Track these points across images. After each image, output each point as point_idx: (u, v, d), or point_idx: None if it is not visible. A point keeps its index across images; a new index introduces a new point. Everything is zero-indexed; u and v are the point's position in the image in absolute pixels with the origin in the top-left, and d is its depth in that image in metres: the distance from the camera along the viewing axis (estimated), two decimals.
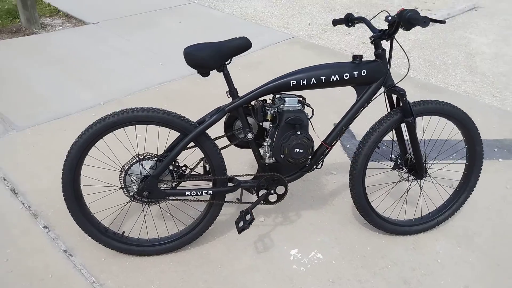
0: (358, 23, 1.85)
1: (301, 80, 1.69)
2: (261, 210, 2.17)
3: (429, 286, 1.82)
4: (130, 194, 1.75)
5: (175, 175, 1.78)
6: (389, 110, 1.88)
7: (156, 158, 1.73)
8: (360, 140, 1.86)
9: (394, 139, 1.95)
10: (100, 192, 2.11)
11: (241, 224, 1.73)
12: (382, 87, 1.79)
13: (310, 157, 1.77)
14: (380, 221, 2.00)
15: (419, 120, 1.91)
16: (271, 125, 1.73)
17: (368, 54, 4.27)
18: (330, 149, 1.84)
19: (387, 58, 1.76)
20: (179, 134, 1.80)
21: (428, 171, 1.98)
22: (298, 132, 1.71)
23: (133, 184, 1.75)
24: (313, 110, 1.79)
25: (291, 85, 1.69)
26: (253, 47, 4.16)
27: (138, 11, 5.01)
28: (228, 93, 1.71)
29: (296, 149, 1.71)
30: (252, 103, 1.77)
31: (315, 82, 1.70)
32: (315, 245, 1.99)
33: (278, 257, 1.91)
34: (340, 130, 1.82)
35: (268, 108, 1.74)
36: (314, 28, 4.91)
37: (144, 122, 1.67)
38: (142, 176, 1.73)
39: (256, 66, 3.80)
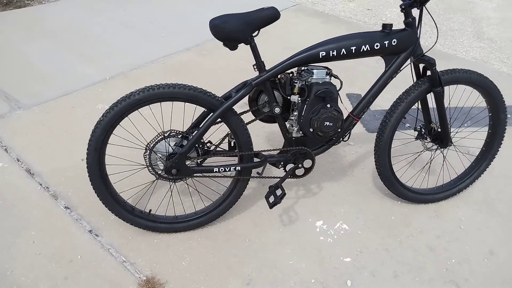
0: None
1: (330, 51, 1.64)
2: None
3: (454, 252, 1.85)
4: (157, 172, 1.72)
5: (200, 152, 1.75)
6: (415, 80, 1.85)
7: (181, 135, 1.69)
8: (387, 110, 1.83)
9: (418, 108, 1.92)
10: (125, 171, 2.07)
11: (271, 199, 1.72)
12: (411, 56, 1.75)
13: (340, 129, 1.75)
14: (404, 191, 2.01)
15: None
16: (299, 99, 1.69)
17: (374, 21, 4.18)
18: (358, 120, 1.82)
19: (417, 26, 1.71)
20: (204, 109, 1.76)
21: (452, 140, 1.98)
22: (328, 105, 1.68)
23: (158, 162, 1.71)
24: (341, 82, 1.75)
25: (320, 57, 1.64)
26: None
27: None
28: (254, 66, 1.65)
29: (326, 123, 1.68)
30: (278, 76, 1.72)
31: (345, 53, 1.65)
32: (340, 216, 2.00)
33: (304, 230, 1.92)
34: (367, 101, 1.79)
35: (296, 81, 1.69)
36: None
37: (170, 99, 1.62)
38: (168, 154, 1.69)
39: (264, 36, 3.69)
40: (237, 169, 1.74)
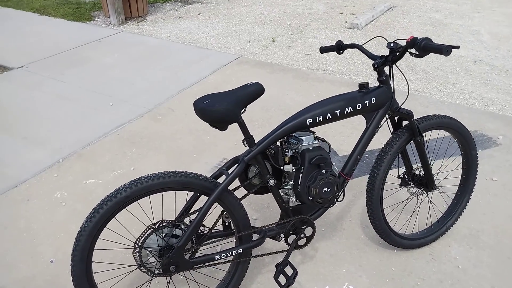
0: (350, 48, 1.83)
1: (317, 117, 1.62)
2: (269, 249, 2.06)
3: None
4: (150, 270, 1.55)
5: (195, 239, 1.61)
6: (391, 131, 1.90)
7: (172, 225, 1.55)
8: (373, 165, 1.84)
9: (398, 156, 1.96)
10: (114, 277, 1.85)
11: (283, 281, 1.61)
12: (388, 111, 1.79)
13: (337, 193, 1.72)
14: (399, 240, 2.01)
15: None
16: (293, 168, 1.64)
17: (315, 65, 4.35)
18: (349, 179, 1.80)
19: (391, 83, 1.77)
20: (192, 193, 1.64)
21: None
22: (323, 171, 1.64)
23: (151, 259, 1.55)
24: (329, 145, 1.74)
25: (308, 124, 1.62)
26: (203, 71, 4.04)
27: (64, 48, 4.60)
28: (244, 142, 1.59)
29: (324, 188, 1.65)
30: None
31: (330, 117, 1.64)
32: (344, 278, 1.93)
33: None
34: (355, 159, 1.79)
35: (286, 150, 1.65)
36: (255, 45, 4.89)
37: (161, 190, 1.49)
38: (161, 248, 1.54)
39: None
40: (238, 252, 1.63)
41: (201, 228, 1.66)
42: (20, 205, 2.34)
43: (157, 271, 1.54)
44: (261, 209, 2.34)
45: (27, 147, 2.86)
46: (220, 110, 1.44)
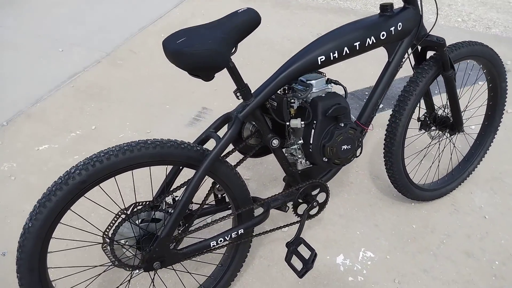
0: None
1: (331, 53, 1.22)
2: (276, 219, 1.74)
3: (493, 251, 1.62)
4: (128, 264, 1.20)
5: (182, 222, 1.26)
6: (413, 65, 1.53)
7: (150, 207, 1.19)
8: (394, 109, 1.49)
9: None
10: (83, 281, 1.49)
11: (298, 264, 1.30)
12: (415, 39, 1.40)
13: (358, 148, 1.36)
14: (421, 193, 1.72)
15: None
16: (302, 123, 1.26)
17: None
18: (367, 130, 1.45)
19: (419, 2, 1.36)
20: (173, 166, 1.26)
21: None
22: (342, 124, 1.27)
23: (127, 252, 1.20)
24: (345, 88, 1.36)
25: (320, 63, 1.22)
26: (166, 4, 3.46)
27: None
28: (237, 93, 1.18)
29: (343, 146, 1.29)
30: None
31: (348, 52, 1.25)
32: (359, 243, 1.65)
33: (327, 273, 1.55)
34: (374, 103, 1.42)
35: (292, 100, 1.25)
36: None
37: (130, 168, 1.09)
38: (140, 237, 1.19)
39: None
40: (239, 232, 1.29)
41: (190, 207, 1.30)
42: None
43: (136, 265, 1.19)
44: (254, 166, 1.99)
45: None
46: (203, 52, 1.01)
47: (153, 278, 1.36)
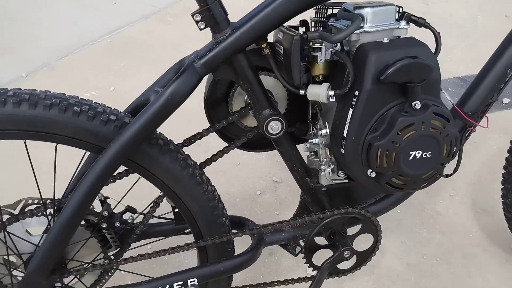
0: None
1: None
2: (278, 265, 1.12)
3: None
4: None
5: (112, 238, 0.74)
6: None
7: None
8: None
9: None
10: None
11: None
12: None
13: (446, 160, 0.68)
14: None
15: None
16: (333, 93, 0.62)
17: None
18: (473, 128, 0.75)
19: None
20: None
21: None
22: (416, 105, 0.61)
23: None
24: (436, 34, 0.68)
25: None
26: None
27: None
28: (197, 19, 0.59)
29: (414, 152, 0.63)
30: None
31: None
32: None
33: None
34: (489, 89, 0.72)
35: (317, 45, 0.62)
36: None
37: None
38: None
39: None
40: (195, 281, 0.71)
41: (127, 216, 0.77)
42: None
43: None
44: None
45: None
46: None
47: None
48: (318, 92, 0.62)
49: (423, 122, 0.62)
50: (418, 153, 0.63)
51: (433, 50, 0.66)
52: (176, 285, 0.68)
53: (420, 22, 0.67)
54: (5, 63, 2.06)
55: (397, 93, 0.62)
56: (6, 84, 1.92)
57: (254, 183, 1.37)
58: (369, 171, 0.65)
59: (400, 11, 0.65)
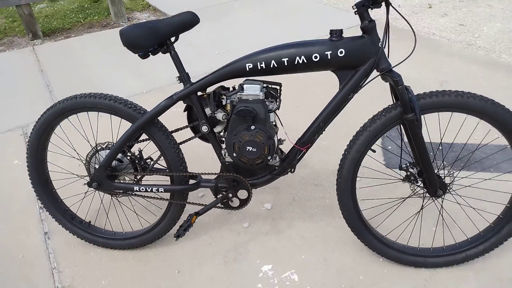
0: None
1: (258, 63, 1.37)
2: (249, 213, 1.89)
3: None
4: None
5: (139, 168, 1.65)
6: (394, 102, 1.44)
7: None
8: (350, 140, 1.46)
9: (403, 140, 1.48)
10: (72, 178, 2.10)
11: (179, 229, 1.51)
12: (378, 71, 1.36)
13: (270, 157, 1.44)
14: (380, 246, 1.56)
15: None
16: (224, 117, 1.46)
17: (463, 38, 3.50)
18: (304, 150, 1.48)
19: (383, 31, 1.33)
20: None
21: (452, 186, 1.47)
22: (252, 127, 1.40)
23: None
24: (278, 101, 1.46)
25: (247, 69, 1.39)
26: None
27: (217, 2, 5.02)
28: (178, 78, 1.49)
29: (247, 147, 1.41)
30: (210, 89, 1.52)
31: (275, 65, 1.37)
32: (295, 264, 1.64)
33: (245, 272, 1.63)
34: (318, 127, 1.45)
35: (223, 96, 1.47)
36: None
37: (93, 109, 1.56)
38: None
39: None
40: (160, 190, 1.58)
41: (149, 161, 1.68)
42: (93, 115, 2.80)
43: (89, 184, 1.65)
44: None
45: (130, 76, 3.34)
46: (134, 34, 1.37)
47: (102, 199, 1.80)
48: (219, 115, 1.45)
49: (252, 134, 1.39)
50: (249, 148, 1.40)
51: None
52: (155, 188, 1.56)
53: (271, 91, 1.44)
54: (136, 83, 3.25)
55: (244, 121, 1.40)
56: (132, 96, 3.08)
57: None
58: (234, 154, 1.44)
59: (264, 86, 1.44)
